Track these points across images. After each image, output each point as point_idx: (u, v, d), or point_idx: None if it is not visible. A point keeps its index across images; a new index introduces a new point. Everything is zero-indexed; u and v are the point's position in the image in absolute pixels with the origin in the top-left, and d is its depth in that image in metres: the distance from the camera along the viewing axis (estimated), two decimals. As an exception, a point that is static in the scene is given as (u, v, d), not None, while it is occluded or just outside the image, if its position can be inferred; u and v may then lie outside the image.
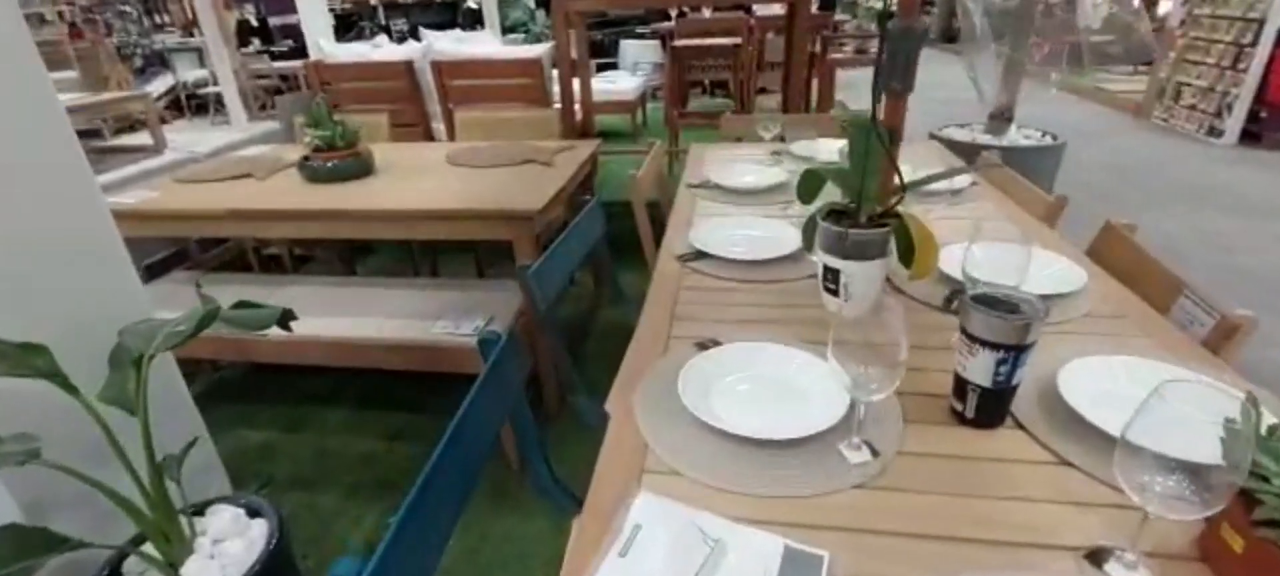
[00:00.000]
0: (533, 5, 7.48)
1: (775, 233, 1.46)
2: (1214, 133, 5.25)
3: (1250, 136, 5.09)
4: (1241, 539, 0.58)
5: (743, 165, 1.99)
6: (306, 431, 2.16)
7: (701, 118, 4.41)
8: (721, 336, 1.05)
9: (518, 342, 1.03)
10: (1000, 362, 0.79)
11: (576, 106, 3.43)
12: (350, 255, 3.15)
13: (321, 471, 1.98)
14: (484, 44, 4.21)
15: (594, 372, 2.31)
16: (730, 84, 7.05)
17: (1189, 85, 5.71)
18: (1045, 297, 0.94)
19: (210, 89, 5.71)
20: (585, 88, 3.58)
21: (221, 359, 2.41)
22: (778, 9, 5.68)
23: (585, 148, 2.44)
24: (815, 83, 4.69)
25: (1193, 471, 0.55)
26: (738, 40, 4.42)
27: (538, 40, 6.85)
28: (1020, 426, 0.83)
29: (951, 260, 1.16)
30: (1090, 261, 1.30)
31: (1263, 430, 0.60)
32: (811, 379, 0.92)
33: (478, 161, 2.26)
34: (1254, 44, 5.11)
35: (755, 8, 5.82)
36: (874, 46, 5.38)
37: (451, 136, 3.36)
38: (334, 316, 1.95)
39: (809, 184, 1.24)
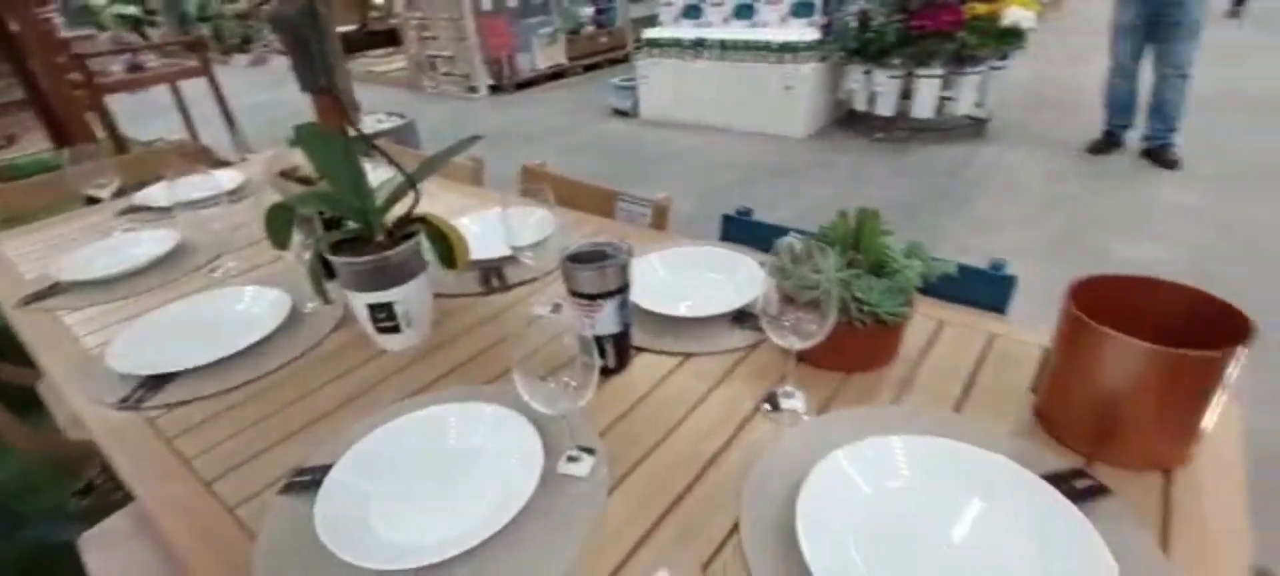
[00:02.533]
0: None
1: (235, 304, 1.10)
2: (473, 89, 6.61)
3: (495, 88, 6.64)
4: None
5: (91, 246, 1.38)
6: None
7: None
8: (310, 456, 0.75)
9: None
10: (620, 306, 0.83)
11: None
12: None
13: None
14: None
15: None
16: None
17: (437, 56, 6.94)
18: (546, 240, 1.01)
19: None
20: None
21: None
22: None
23: None
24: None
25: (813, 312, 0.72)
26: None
27: None
28: (638, 349, 0.92)
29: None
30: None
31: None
32: (469, 427, 0.77)
33: None
34: (462, 17, 6.56)
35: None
36: (152, 62, 4.42)
37: None
38: None
39: (281, 221, 0.97)
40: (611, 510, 0.66)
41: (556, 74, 7.03)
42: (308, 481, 0.71)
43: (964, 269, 0.97)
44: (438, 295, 1.09)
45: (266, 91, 7.35)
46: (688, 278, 1.07)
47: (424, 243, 0.98)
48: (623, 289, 0.82)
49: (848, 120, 4.66)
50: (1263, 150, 3.62)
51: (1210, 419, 0.64)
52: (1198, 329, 0.63)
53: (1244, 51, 5.71)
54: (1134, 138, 3.67)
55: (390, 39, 8.84)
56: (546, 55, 6.92)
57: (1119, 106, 3.61)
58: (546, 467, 0.69)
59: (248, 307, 1.08)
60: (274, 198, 1.24)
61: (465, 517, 0.66)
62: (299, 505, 0.68)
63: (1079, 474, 0.65)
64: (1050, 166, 3.68)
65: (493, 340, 0.99)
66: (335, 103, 1.00)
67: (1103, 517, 0.58)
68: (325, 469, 0.71)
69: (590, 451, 0.73)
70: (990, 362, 0.84)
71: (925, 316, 0.92)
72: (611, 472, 0.71)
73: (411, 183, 0.95)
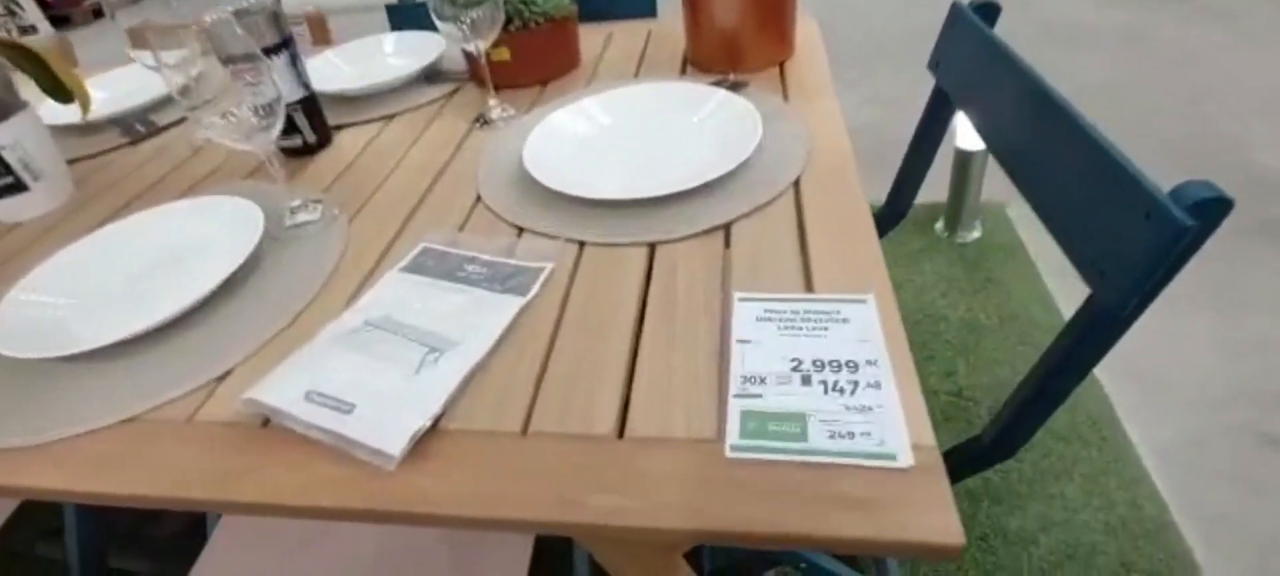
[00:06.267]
0: None
1: None
2: None
3: None
4: (506, 49, 0.86)
5: None
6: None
7: None
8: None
9: None
10: (290, 63, 0.78)
11: None
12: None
13: None
14: None
15: None
16: None
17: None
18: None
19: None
20: None
21: None
22: None
23: None
24: None
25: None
26: None
27: None
28: (338, 127, 0.89)
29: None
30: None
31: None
32: (174, 223, 0.69)
33: None
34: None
35: None
36: None
37: None
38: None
39: None
40: (355, 234, 0.67)
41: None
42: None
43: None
44: (72, 161, 0.90)
45: None
46: (368, 63, 1.03)
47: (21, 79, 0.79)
48: (286, 43, 0.77)
49: None
50: None
51: (795, 28, 0.86)
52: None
53: None
54: None
55: None
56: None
57: None
58: (272, 226, 0.66)
59: None
60: None
61: (194, 289, 0.60)
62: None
63: (726, 79, 0.82)
64: None
65: (164, 173, 0.86)
66: None
67: (748, 96, 0.76)
68: (-15, 317, 0.58)
69: (317, 202, 0.71)
70: (651, 46, 0.98)
71: (596, 35, 1.03)
72: (344, 212, 0.70)
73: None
